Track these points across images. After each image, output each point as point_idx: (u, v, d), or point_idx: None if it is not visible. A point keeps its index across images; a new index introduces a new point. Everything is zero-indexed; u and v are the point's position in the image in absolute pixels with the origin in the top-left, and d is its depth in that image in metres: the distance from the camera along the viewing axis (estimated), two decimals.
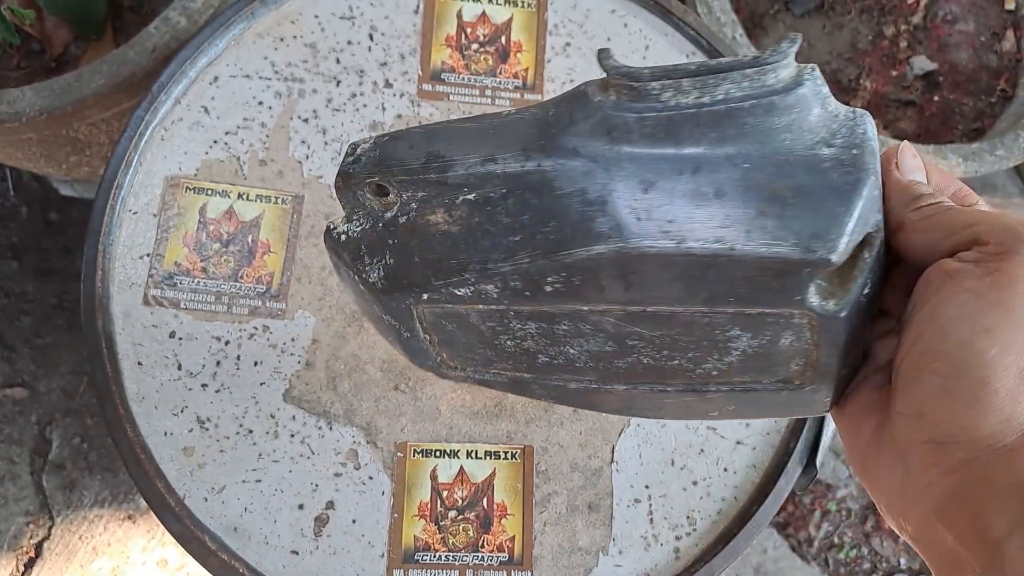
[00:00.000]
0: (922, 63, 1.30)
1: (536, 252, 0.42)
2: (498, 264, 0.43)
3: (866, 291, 0.40)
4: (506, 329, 0.47)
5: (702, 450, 0.79)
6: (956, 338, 0.37)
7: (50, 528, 1.57)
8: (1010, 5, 1.33)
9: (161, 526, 0.78)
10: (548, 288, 0.43)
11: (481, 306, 0.46)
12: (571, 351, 0.47)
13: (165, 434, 0.75)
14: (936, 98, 1.30)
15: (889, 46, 1.32)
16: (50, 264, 1.69)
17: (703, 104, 0.39)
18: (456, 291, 0.45)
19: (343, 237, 0.49)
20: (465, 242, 0.45)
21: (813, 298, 0.40)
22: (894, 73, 1.30)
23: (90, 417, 1.61)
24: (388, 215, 0.48)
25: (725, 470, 0.79)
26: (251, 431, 0.76)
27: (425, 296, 0.46)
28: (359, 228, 0.49)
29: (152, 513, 0.74)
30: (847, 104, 1.28)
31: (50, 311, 1.67)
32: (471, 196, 0.44)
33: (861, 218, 0.38)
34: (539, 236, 0.42)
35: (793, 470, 0.79)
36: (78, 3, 1.16)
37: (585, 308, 0.44)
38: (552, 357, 0.48)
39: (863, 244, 0.39)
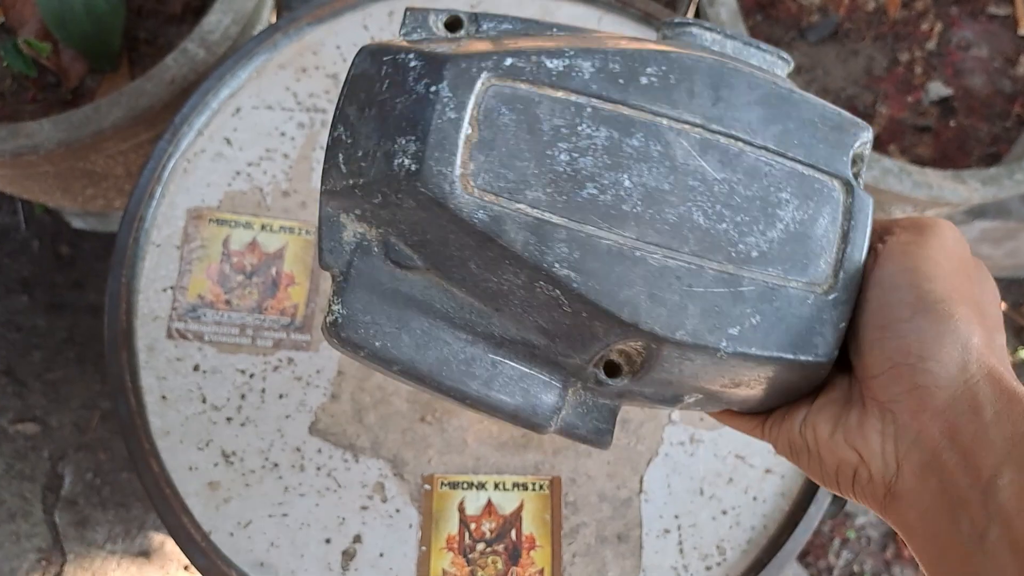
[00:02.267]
0: (938, 89, 1.30)
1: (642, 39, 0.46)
2: (604, 44, 0.44)
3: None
4: (572, 132, 0.44)
5: (731, 479, 0.79)
6: (905, 285, 0.43)
7: (62, 565, 1.56)
8: (1023, 30, 1.34)
9: (174, 562, 0.77)
10: (644, 80, 0.44)
11: (562, 93, 0.44)
12: (627, 182, 0.45)
13: (190, 468, 0.75)
14: (952, 123, 1.30)
15: (904, 72, 1.32)
16: (61, 298, 1.68)
17: None
18: (548, 62, 0.44)
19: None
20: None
21: (850, 169, 0.47)
22: (910, 99, 1.30)
23: (103, 452, 1.60)
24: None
25: (754, 499, 0.78)
26: (277, 464, 0.75)
27: (509, 61, 0.44)
28: None
29: (165, 549, 0.73)
30: None
31: (61, 345, 1.66)
32: None
33: (868, 138, 0.48)
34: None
35: (823, 499, 0.78)
36: (94, 36, 1.16)
37: (670, 116, 0.45)
38: (602, 190, 0.44)
39: (857, 173, 0.48)
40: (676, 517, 0.77)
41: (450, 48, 0.45)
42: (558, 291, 0.45)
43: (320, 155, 0.83)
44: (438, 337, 0.49)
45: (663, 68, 0.45)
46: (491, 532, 0.75)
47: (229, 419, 0.76)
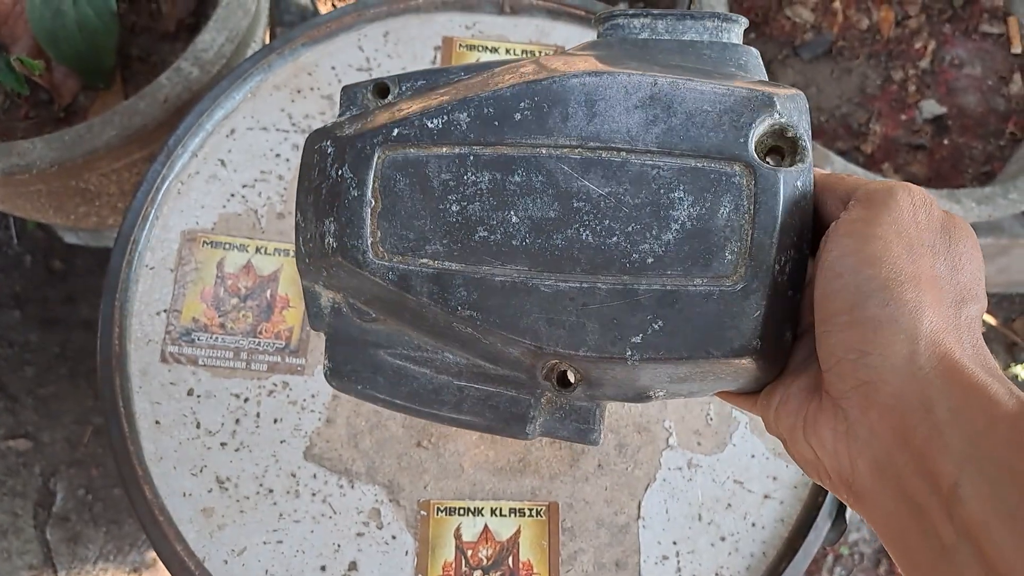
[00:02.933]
0: (931, 107, 1.30)
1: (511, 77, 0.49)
2: (479, 91, 0.49)
3: (799, 183, 0.45)
4: (459, 183, 0.48)
5: (729, 504, 0.78)
6: (847, 272, 0.40)
7: None
8: (1016, 49, 1.34)
9: None
10: (518, 116, 0.48)
11: (445, 148, 0.48)
12: (514, 218, 0.48)
13: (184, 495, 0.74)
14: (946, 142, 1.30)
15: (898, 90, 1.32)
16: (53, 313, 1.67)
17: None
18: (429, 122, 0.48)
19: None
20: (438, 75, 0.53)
21: (753, 150, 0.45)
22: (903, 117, 1.30)
23: (95, 468, 1.59)
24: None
25: (753, 525, 0.78)
26: (271, 490, 0.75)
27: (396, 131, 0.48)
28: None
29: (157, 566, 0.73)
30: (857, 149, 1.27)
31: (53, 361, 1.65)
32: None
33: (784, 109, 0.46)
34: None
35: (822, 524, 0.77)
36: (87, 53, 1.15)
37: (547, 144, 0.47)
38: (491, 230, 0.48)
39: (791, 142, 0.46)
40: (674, 543, 0.77)
41: (355, 127, 0.51)
42: (470, 329, 0.49)
43: None
44: (407, 374, 0.54)
45: (535, 100, 0.47)
46: (488, 559, 0.75)
47: (223, 444, 0.75)
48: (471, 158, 0.48)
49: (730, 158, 0.46)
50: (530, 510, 0.76)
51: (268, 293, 0.79)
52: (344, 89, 0.55)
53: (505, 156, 0.48)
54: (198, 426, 0.76)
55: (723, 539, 0.77)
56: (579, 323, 0.48)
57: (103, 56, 1.17)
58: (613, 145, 0.47)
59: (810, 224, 0.46)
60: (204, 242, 0.80)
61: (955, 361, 0.37)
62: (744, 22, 0.51)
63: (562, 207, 0.48)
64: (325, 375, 0.56)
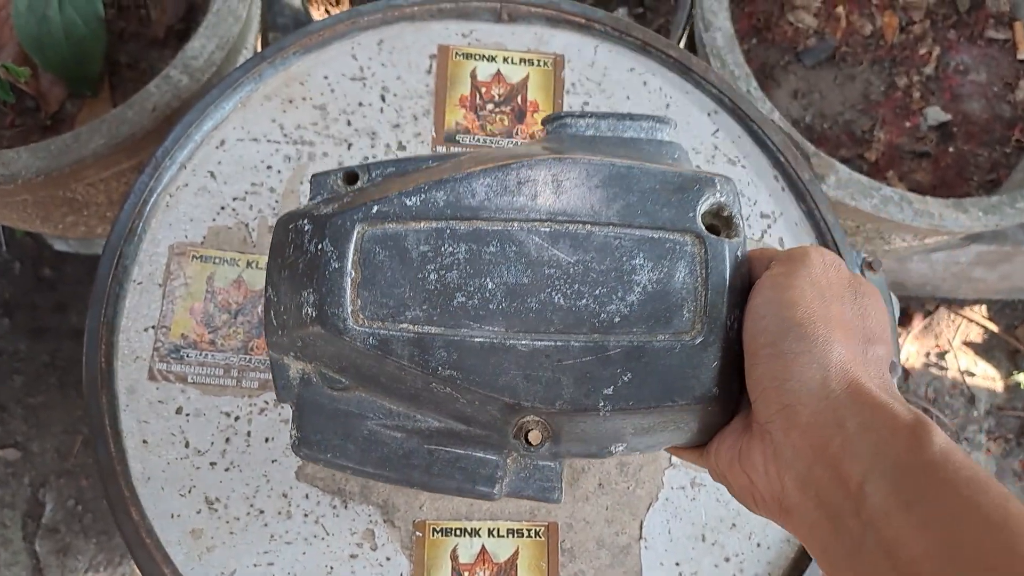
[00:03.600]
0: (936, 114, 1.28)
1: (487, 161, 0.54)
2: (453, 174, 0.53)
3: (739, 252, 0.52)
4: (437, 254, 0.52)
5: (734, 524, 0.76)
6: (769, 314, 0.47)
7: None
8: (1022, 54, 1.32)
9: None
10: (491, 194, 0.53)
11: (423, 223, 0.52)
12: (490, 284, 0.52)
13: (172, 516, 0.72)
14: (951, 149, 1.28)
15: (902, 97, 1.30)
16: (43, 322, 1.65)
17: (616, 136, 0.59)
18: (407, 200, 0.52)
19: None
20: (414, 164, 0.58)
21: (701, 224, 0.52)
22: (908, 124, 1.28)
23: (85, 479, 1.57)
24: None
25: (758, 545, 0.76)
26: (262, 511, 0.73)
27: (375, 208, 0.53)
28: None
29: None
30: (861, 157, 1.25)
31: (42, 370, 1.63)
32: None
33: (722, 190, 0.53)
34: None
35: None
36: (74, 60, 1.13)
37: (519, 219, 0.52)
38: (469, 296, 0.52)
39: (726, 220, 0.53)
40: (677, 564, 0.75)
41: (332, 207, 0.55)
42: (449, 388, 0.52)
43: (308, 188, 0.80)
44: (378, 440, 0.58)
45: (507, 181, 0.53)
46: None
47: (213, 464, 0.73)
48: (448, 232, 0.52)
49: (682, 230, 0.53)
50: (528, 530, 0.74)
51: (259, 309, 0.77)
52: (314, 176, 0.59)
53: (480, 230, 0.52)
54: (187, 445, 0.73)
55: (727, 560, 0.75)
56: (555, 378, 0.52)
57: (90, 63, 1.15)
58: (579, 219, 0.52)
59: (748, 286, 0.52)
60: (193, 256, 0.78)
61: (861, 385, 0.43)
62: (674, 123, 0.60)
63: (535, 274, 0.52)
64: (293, 446, 0.58)
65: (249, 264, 0.78)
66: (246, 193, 0.80)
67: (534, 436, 0.54)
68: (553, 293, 0.52)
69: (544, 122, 0.60)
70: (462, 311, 0.52)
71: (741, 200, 0.66)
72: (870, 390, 0.43)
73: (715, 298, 0.52)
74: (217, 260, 0.78)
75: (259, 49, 1.26)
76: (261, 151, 0.81)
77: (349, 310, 0.52)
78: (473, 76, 0.85)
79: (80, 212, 1.18)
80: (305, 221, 0.55)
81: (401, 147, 0.82)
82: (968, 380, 1.75)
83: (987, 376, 1.76)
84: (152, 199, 0.78)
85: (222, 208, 0.79)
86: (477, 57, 0.86)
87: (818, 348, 0.45)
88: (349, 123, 0.83)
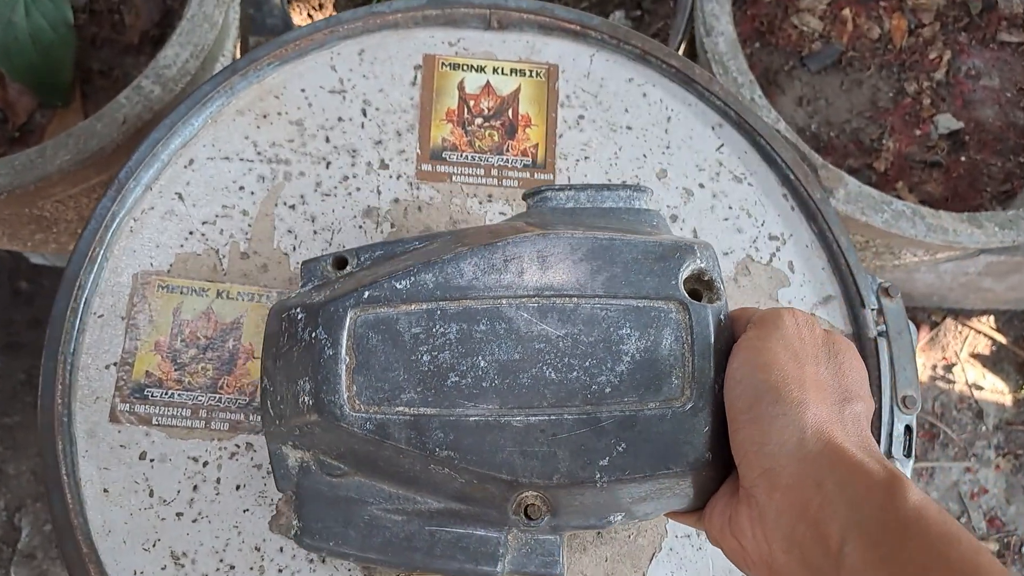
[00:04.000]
0: (947, 121, 1.22)
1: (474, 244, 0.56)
2: (441, 255, 0.56)
3: (721, 315, 0.54)
4: (429, 335, 0.54)
5: None
6: (745, 379, 0.49)
7: None
8: None
9: None
10: (479, 273, 0.55)
11: (414, 306, 0.54)
12: (482, 363, 0.54)
13: (135, 573, 0.66)
14: (963, 158, 1.22)
15: (912, 104, 1.24)
16: (19, 337, 1.59)
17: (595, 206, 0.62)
18: (397, 283, 0.55)
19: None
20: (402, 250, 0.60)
21: (684, 290, 0.55)
22: (918, 132, 1.23)
23: None
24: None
25: None
26: (233, 567, 0.67)
27: (367, 294, 0.54)
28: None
29: None
30: (869, 167, 1.20)
31: (18, 387, 1.57)
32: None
33: (702, 255, 0.56)
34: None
35: None
36: (42, 68, 1.07)
37: (507, 296, 0.54)
38: (462, 375, 0.53)
39: (707, 284, 0.56)
40: None
41: (325, 295, 0.57)
42: (447, 469, 0.53)
43: (283, 211, 0.75)
44: (379, 524, 0.58)
45: (493, 259, 0.55)
46: None
47: (179, 515, 0.67)
48: (438, 312, 0.54)
49: (665, 298, 0.55)
50: None
51: (230, 343, 0.71)
52: (304, 264, 0.61)
53: (470, 308, 0.54)
54: (151, 494, 0.68)
55: None
56: (550, 452, 0.53)
57: (60, 71, 1.09)
58: (565, 293, 0.55)
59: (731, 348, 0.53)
60: (159, 286, 0.72)
61: (837, 445, 0.45)
62: (651, 191, 0.62)
63: (525, 349, 0.54)
64: (295, 536, 0.58)
65: (219, 294, 0.72)
66: (216, 216, 0.74)
67: (533, 511, 0.55)
68: (544, 367, 0.54)
69: (525, 196, 0.63)
70: (456, 391, 0.53)
71: (748, 220, 0.77)
72: (846, 449, 0.44)
73: (702, 363, 0.53)
74: (185, 290, 0.72)
75: (239, 57, 1.20)
76: (233, 171, 0.75)
77: (345, 396, 0.53)
78: (461, 88, 0.80)
79: (49, 230, 1.12)
80: (298, 310, 0.56)
81: (384, 165, 0.77)
82: (976, 394, 1.70)
83: (996, 390, 1.70)
84: (115, 224, 0.72)
85: (190, 233, 0.73)
86: (465, 67, 0.81)
87: (793, 410, 0.46)
88: (328, 140, 0.77)
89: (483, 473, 0.53)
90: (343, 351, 0.54)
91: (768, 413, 0.46)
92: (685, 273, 0.56)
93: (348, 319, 0.54)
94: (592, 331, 0.54)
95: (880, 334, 0.75)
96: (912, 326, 0.76)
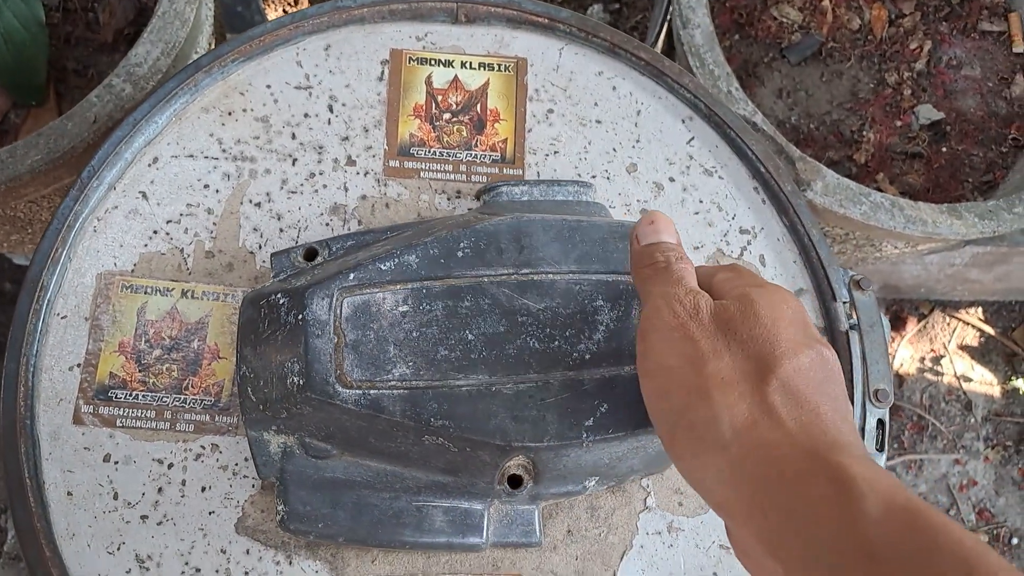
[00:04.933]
0: (928, 112, 1.22)
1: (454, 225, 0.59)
2: (421, 239, 0.58)
3: None
4: (416, 312, 0.56)
5: (715, 573, 0.70)
6: (653, 412, 0.48)
7: None
8: (1018, 48, 1.26)
9: None
10: (460, 254, 0.58)
11: (399, 286, 0.57)
12: (469, 336, 0.56)
13: None
14: (944, 149, 1.21)
15: (892, 94, 1.23)
16: (4, 339, 1.58)
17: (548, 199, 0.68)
18: (382, 265, 0.57)
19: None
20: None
21: None
22: (898, 123, 1.22)
23: None
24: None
25: None
26: (198, 570, 0.66)
27: (352, 276, 0.57)
28: None
29: None
30: (850, 158, 1.19)
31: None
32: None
33: None
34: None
35: None
36: (15, 67, 1.06)
37: (488, 274, 0.57)
38: (451, 349, 0.56)
39: None
40: None
41: (306, 280, 0.59)
42: (441, 438, 0.55)
43: (249, 209, 0.74)
44: (367, 503, 0.60)
45: (472, 240, 0.58)
46: None
47: (144, 517, 0.67)
48: (424, 291, 0.57)
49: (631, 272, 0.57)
50: None
51: (195, 343, 0.70)
52: (274, 255, 0.64)
53: (454, 287, 0.57)
54: (115, 497, 0.67)
55: None
56: (540, 416, 0.55)
57: (33, 70, 1.08)
58: (542, 270, 0.58)
59: None
60: (123, 286, 0.71)
61: (771, 453, 0.41)
62: (594, 187, 0.71)
63: (509, 322, 0.57)
64: (281, 521, 0.59)
65: (184, 293, 0.71)
66: (181, 215, 0.73)
67: (517, 479, 0.58)
68: (528, 338, 0.57)
69: (480, 193, 0.68)
70: (447, 363, 0.56)
71: (719, 213, 0.79)
72: (781, 454, 0.42)
73: None
74: (149, 290, 0.71)
75: None
76: (198, 168, 0.75)
77: (336, 374, 0.55)
78: (428, 83, 0.79)
79: (24, 230, 1.11)
80: (279, 295, 0.58)
81: (351, 162, 0.76)
82: (965, 385, 1.69)
83: (984, 381, 1.70)
84: (77, 224, 0.72)
85: (155, 232, 0.73)
86: (433, 62, 0.80)
87: (710, 432, 0.44)
88: (294, 136, 0.76)
89: (477, 440, 0.55)
90: (331, 331, 0.56)
91: (688, 449, 0.44)
92: None
93: (335, 299, 0.56)
94: (569, 304, 0.58)
95: (852, 327, 0.75)
96: (884, 319, 0.75)
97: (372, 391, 0.55)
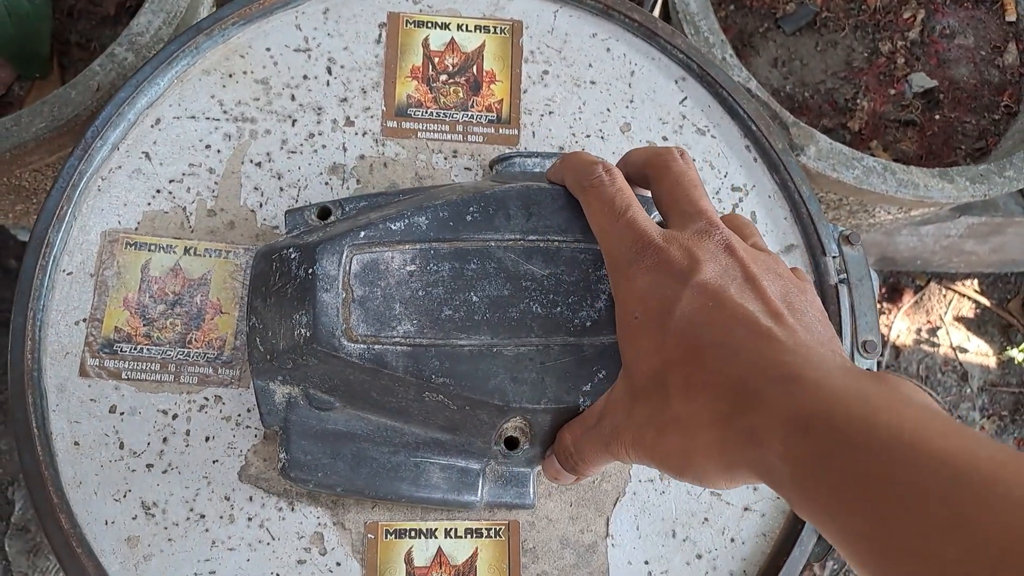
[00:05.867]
0: (921, 80, 1.23)
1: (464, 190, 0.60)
2: (432, 202, 0.60)
3: None
4: (423, 272, 0.58)
5: (706, 519, 0.72)
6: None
7: None
8: (1011, 16, 1.27)
9: None
10: (468, 217, 0.59)
11: (408, 245, 0.58)
12: (474, 298, 0.58)
13: (106, 523, 0.67)
14: (937, 116, 1.23)
15: (886, 63, 1.24)
16: (9, 315, 1.59)
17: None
18: (392, 225, 0.58)
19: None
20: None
21: None
22: (892, 91, 1.23)
23: None
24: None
25: (732, 540, 0.71)
26: (203, 516, 0.68)
27: (362, 234, 0.58)
28: None
29: None
30: (844, 126, 1.20)
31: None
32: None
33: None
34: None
35: (808, 538, 0.71)
36: (19, 40, 1.08)
37: (495, 238, 0.59)
38: (455, 309, 0.57)
39: None
40: (646, 563, 0.70)
41: (318, 236, 0.60)
42: (441, 396, 0.57)
43: (250, 169, 0.75)
44: (366, 456, 0.62)
45: (481, 204, 0.59)
46: None
47: (149, 466, 0.68)
48: (432, 252, 0.58)
49: None
50: (488, 530, 0.69)
51: (198, 298, 0.72)
52: (288, 212, 0.66)
53: (461, 249, 0.58)
54: (121, 446, 0.69)
55: (699, 557, 0.71)
56: (539, 379, 0.57)
57: (37, 43, 1.10)
58: (548, 237, 0.59)
59: None
60: (127, 243, 0.73)
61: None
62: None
63: (513, 286, 0.58)
64: (282, 469, 0.61)
65: (187, 250, 0.73)
66: (183, 175, 0.75)
67: (513, 442, 0.59)
68: (531, 303, 0.58)
69: (493, 163, 0.69)
70: (450, 323, 0.57)
71: (711, 171, 0.80)
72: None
73: None
74: (153, 247, 0.73)
75: None
76: (199, 129, 0.76)
77: (342, 328, 0.57)
78: (425, 45, 0.80)
79: (29, 200, 1.13)
80: (291, 250, 0.60)
81: (349, 122, 0.77)
82: (961, 356, 1.71)
83: (980, 352, 1.71)
84: (82, 183, 0.73)
85: (158, 191, 0.74)
86: (429, 25, 0.81)
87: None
88: (293, 98, 0.78)
89: (476, 399, 0.57)
90: (340, 285, 0.57)
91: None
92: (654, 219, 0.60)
93: (345, 256, 0.58)
94: (573, 271, 0.59)
95: (841, 281, 0.76)
96: (873, 273, 0.77)
97: (376, 346, 0.56)
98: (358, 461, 0.62)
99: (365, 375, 0.58)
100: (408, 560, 0.68)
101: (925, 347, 1.70)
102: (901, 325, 1.70)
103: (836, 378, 0.39)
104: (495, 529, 0.69)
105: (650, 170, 0.55)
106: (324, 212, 0.66)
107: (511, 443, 0.60)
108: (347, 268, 0.58)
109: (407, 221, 0.58)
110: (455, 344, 0.57)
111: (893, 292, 1.69)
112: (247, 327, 0.64)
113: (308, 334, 0.57)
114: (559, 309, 0.58)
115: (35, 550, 1.51)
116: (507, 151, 0.68)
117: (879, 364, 1.66)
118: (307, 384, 0.61)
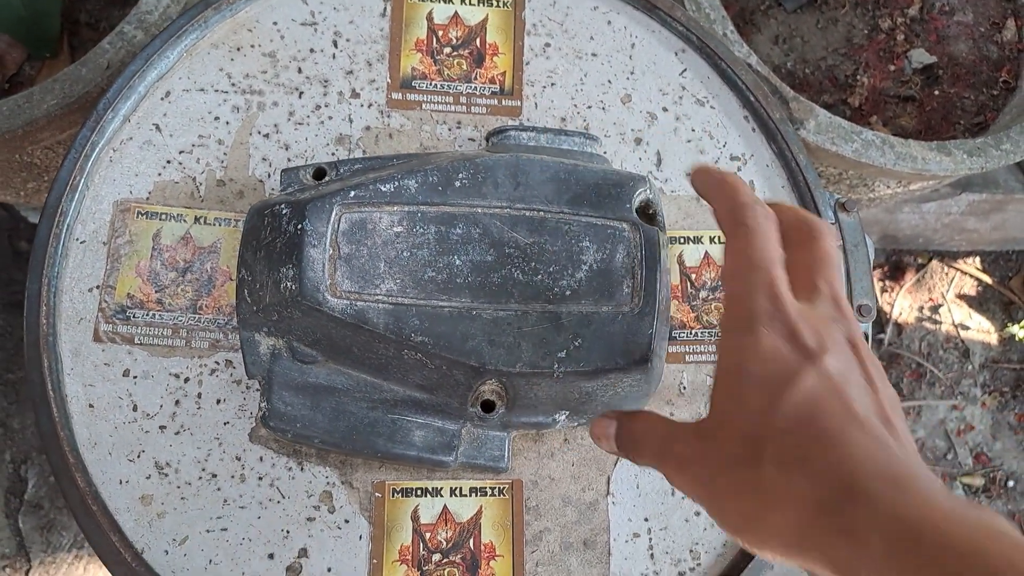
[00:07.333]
0: (921, 56, 1.24)
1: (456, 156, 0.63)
2: (423, 166, 0.61)
3: (664, 239, 0.63)
4: (409, 234, 0.59)
5: None
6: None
7: (27, 572, 1.51)
8: None
9: None
10: (457, 183, 0.61)
11: (396, 207, 0.60)
12: (457, 261, 0.59)
13: (120, 482, 0.69)
14: (936, 92, 1.24)
15: (886, 40, 1.26)
16: (20, 296, 1.61)
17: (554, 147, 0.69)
18: (382, 186, 0.60)
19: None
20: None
21: (635, 213, 0.62)
22: (892, 68, 1.24)
23: None
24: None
25: None
26: (215, 475, 0.70)
27: (352, 194, 0.60)
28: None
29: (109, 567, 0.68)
30: (844, 102, 1.22)
31: (21, 344, 1.60)
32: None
33: (651, 187, 0.65)
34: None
35: None
36: (30, 20, 1.10)
37: (482, 205, 0.60)
38: (438, 271, 0.59)
39: (651, 216, 0.64)
40: (646, 520, 0.72)
41: (310, 194, 0.62)
42: (419, 354, 0.59)
43: (258, 140, 0.77)
44: (345, 410, 0.64)
45: (471, 171, 0.61)
46: (447, 541, 0.70)
47: (163, 428, 0.70)
48: (419, 215, 0.60)
49: (620, 218, 0.62)
50: (492, 489, 0.71)
51: (209, 266, 0.74)
52: (284, 171, 0.68)
53: (448, 213, 0.60)
54: (135, 409, 0.71)
55: (698, 514, 0.73)
56: (515, 343, 0.59)
57: (47, 23, 1.11)
58: (534, 207, 0.61)
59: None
60: (139, 212, 0.74)
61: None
62: (600, 140, 0.72)
63: (497, 253, 0.60)
64: (263, 418, 0.64)
65: (197, 219, 0.75)
66: (193, 146, 0.77)
67: (489, 405, 0.62)
68: (513, 269, 0.60)
69: (489, 135, 0.69)
70: (432, 284, 0.59)
71: (710, 142, 0.82)
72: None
73: (650, 275, 0.61)
74: (164, 216, 0.75)
75: None
76: (208, 102, 0.78)
77: (327, 283, 0.59)
78: (429, 19, 0.82)
79: (41, 178, 1.15)
80: (283, 206, 0.61)
81: (355, 94, 0.79)
82: (962, 334, 1.72)
83: (981, 329, 1.73)
84: (94, 154, 0.75)
85: (168, 162, 0.76)
86: None
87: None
88: (300, 70, 0.79)
89: (453, 359, 0.58)
90: (327, 242, 0.59)
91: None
92: (637, 200, 0.63)
93: (334, 214, 0.59)
94: (556, 241, 0.60)
95: (838, 247, 0.78)
96: (869, 240, 0.78)
97: (359, 303, 0.59)
98: (337, 415, 0.64)
99: (347, 330, 0.60)
100: (415, 517, 0.70)
101: (927, 324, 1.71)
102: (903, 303, 1.71)
103: (941, 494, 0.39)
104: (499, 488, 0.71)
105: (797, 234, 0.50)
106: (319, 173, 0.68)
107: (487, 406, 0.62)
108: (335, 226, 0.59)
109: (397, 183, 0.60)
110: (436, 305, 0.59)
111: (895, 270, 1.71)
112: (237, 279, 0.66)
113: (294, 287, 0.59)
114: (540, 277, 0.60)
115: (48, 526, 1.53)
116: (507, 123, 0.69)
117: (882, 342, 1.68)
118: (291, 337, 0.63)
